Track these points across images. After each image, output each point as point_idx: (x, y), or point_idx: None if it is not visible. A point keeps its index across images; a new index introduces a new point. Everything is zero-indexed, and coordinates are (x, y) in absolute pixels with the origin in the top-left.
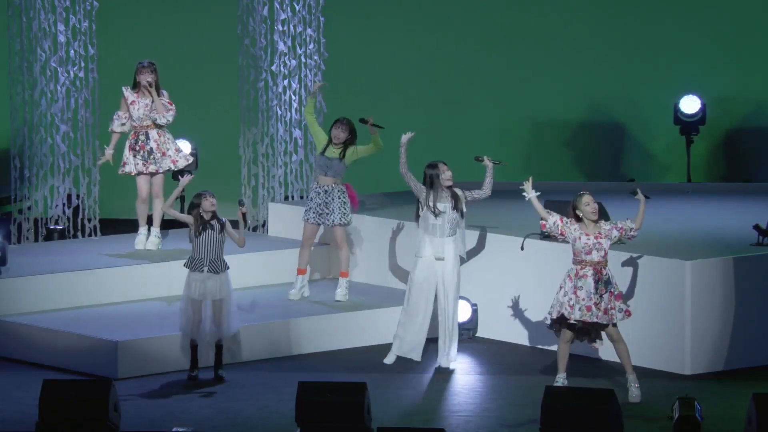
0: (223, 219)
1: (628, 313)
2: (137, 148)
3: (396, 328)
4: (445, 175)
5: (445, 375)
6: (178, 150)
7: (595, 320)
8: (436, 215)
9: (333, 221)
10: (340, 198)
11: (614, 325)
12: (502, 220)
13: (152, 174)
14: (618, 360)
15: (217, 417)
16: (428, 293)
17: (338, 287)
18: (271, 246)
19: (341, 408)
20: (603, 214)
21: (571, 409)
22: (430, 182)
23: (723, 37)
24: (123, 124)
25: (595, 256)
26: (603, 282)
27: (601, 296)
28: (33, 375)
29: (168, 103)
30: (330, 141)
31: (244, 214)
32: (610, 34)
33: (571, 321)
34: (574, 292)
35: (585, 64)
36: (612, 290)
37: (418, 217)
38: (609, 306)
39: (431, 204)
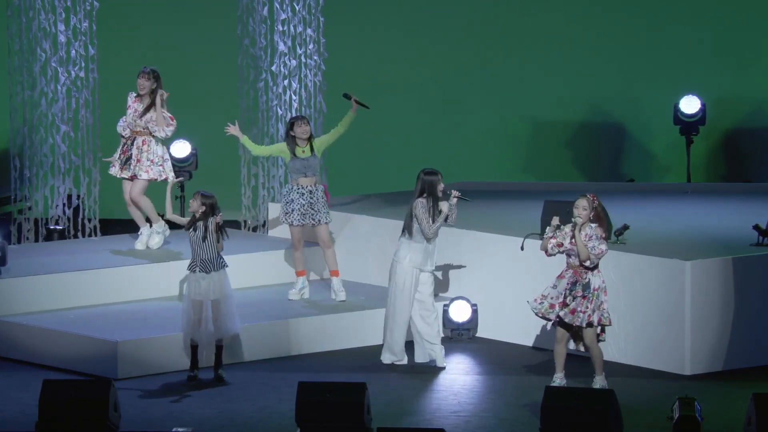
0: (210, 222)
1: (600, 321)
2: (121, 152)
3: (384, 335)
4: (441, 186)
5: (444, 375)
6: (156, 162)
7: (556, 318)
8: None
9: (320, 220)
10: (323, 197)
11: (588, 327)
12: (501, 220)
13: (128, 179)
14: (618, 360)
15: (217, 417)
16: (412, 297)
17: (334, 292)
18: (271, 246)
19: (341, 408)
20: (603, 215)
21: (570, 409)
22: (430, 191)
23: (723, 37)
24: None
25: (574, 260)
26: (581, 284)
27: (574, 298)
28: (33, 375)
29: (170, 118)
30: (294, 143)
31: (218, 224)
32: (611, 34)
33: (538, 314)
34: (553, 287)
35: (585, 64)
36: (588, 295)
37: (410, 226)
38: (579, 309)
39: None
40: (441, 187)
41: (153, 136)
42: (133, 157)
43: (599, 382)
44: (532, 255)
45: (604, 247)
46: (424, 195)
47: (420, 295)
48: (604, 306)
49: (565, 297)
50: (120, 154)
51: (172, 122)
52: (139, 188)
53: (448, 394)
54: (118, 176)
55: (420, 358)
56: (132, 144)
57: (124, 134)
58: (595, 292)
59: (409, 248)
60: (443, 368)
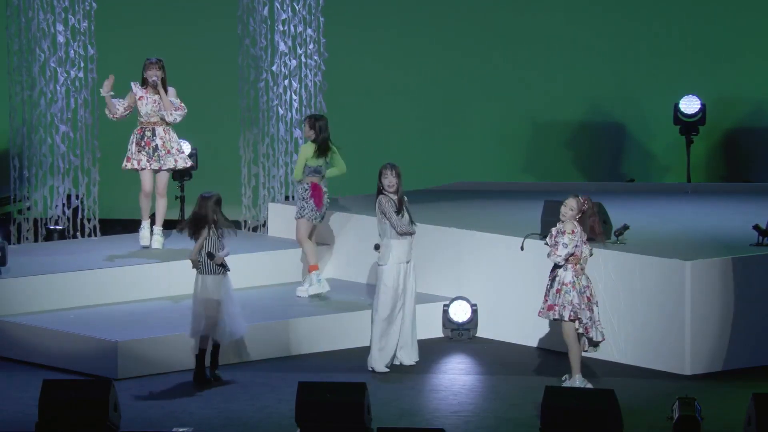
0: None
1: (572, 317)
2: (143, 143)
3: (375, 342)
4: (387, 181)
5: (444, 375)
6: (180, 150)
7: (539, 314)
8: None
9: (295, 215)
10: (302, 195)
11: (564, 321)
12: (501, 220)
13: (156, 171)
14: (618, 360)
15: (217, 417)
16: (400, 297)
17: (309, 284)
18: (271, 246)
19: (341, 408)
20: (602, 214)
21: (570, 409)
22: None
23: (723, 37)
24: (123, 104)
25: (551, 255)
26: (552, 279)
27: (548, 292)
28: (33, 375)
29: (180, 104)
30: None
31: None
32: (611, 34)
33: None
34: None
35: (585, 64)
36: (559, 288)
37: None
38: (552, 302)
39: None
40: (390, 181)
41: (169, 124)
42: (160, 147)
43: (575, 382)
44: (532, 255)
45: (562, 243)
46: (383, 192)
47: (411, 291)
48: (575, 302)
49: (546, 294)
50: (143, 146)
51: (182, 108)
52: (166, 181)
53: (448, 394)
54: (148, 169)
55: (406, 359)
56: (154, 135)
57: (116, 99)
58: (565, 287)
59: (390, 247)
60: (410, 365)
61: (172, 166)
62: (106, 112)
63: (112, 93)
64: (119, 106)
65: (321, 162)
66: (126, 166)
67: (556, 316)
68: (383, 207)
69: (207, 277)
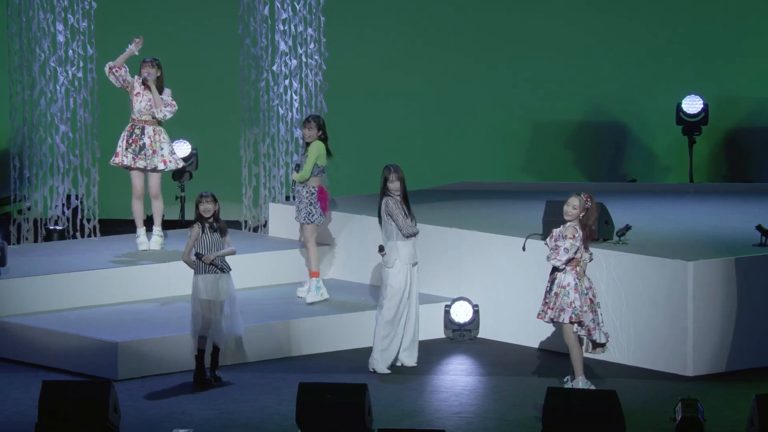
0: (220, 225)
1: (572, 320)
2: (131, 141)
3: (377, 343)
4: (393, 185)
5: (446, 376)
6: (172, 152)
7: (539, 316)
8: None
9: (298, 219)
10: (307, 198)
11: (562, 324)
12: (502, 221)
13: (141, 170)
14: (620, 361)
15: (217, 418)
16: (407, 298)
17: (308, 290)
18: (272, 246)
19: (342, 409)
20: (604, 215)
21: (573, 410)
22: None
23: (725, 37)
24: (127, 74)
25: (552, 258)
26: (551, 281)
27: (547, 294)
28: (33, 376)
29: (170, 101)
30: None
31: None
32: (612, 34)
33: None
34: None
35: (586, 64)
36: (557, 292)
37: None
38: (551, 305)
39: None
40: (395, 185)
41: (161, 125)
42: (147, 147)
43: (578, 383)
44: (533, 256)
45: (564, 248)
46: (388, 193)
47: (415, 293)
48: (576, 304)
49: (545, 296)
50: (131, 144)
51: (172, 105)
52: (158, 182)
53: (450, 395)
54: (131, 167)
55: (408, 361)
56: (142, 133)
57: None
58: (563, 289)
59: (396, 249)
60: (410, 366)
61: (155, 166)
62: (111, 63)
63: (136, 53)
64: (124, 71)
65: (325, 162)
66: (114, 161)
67: (547, 320)
68: (390, 209)
69: (198, 277)
